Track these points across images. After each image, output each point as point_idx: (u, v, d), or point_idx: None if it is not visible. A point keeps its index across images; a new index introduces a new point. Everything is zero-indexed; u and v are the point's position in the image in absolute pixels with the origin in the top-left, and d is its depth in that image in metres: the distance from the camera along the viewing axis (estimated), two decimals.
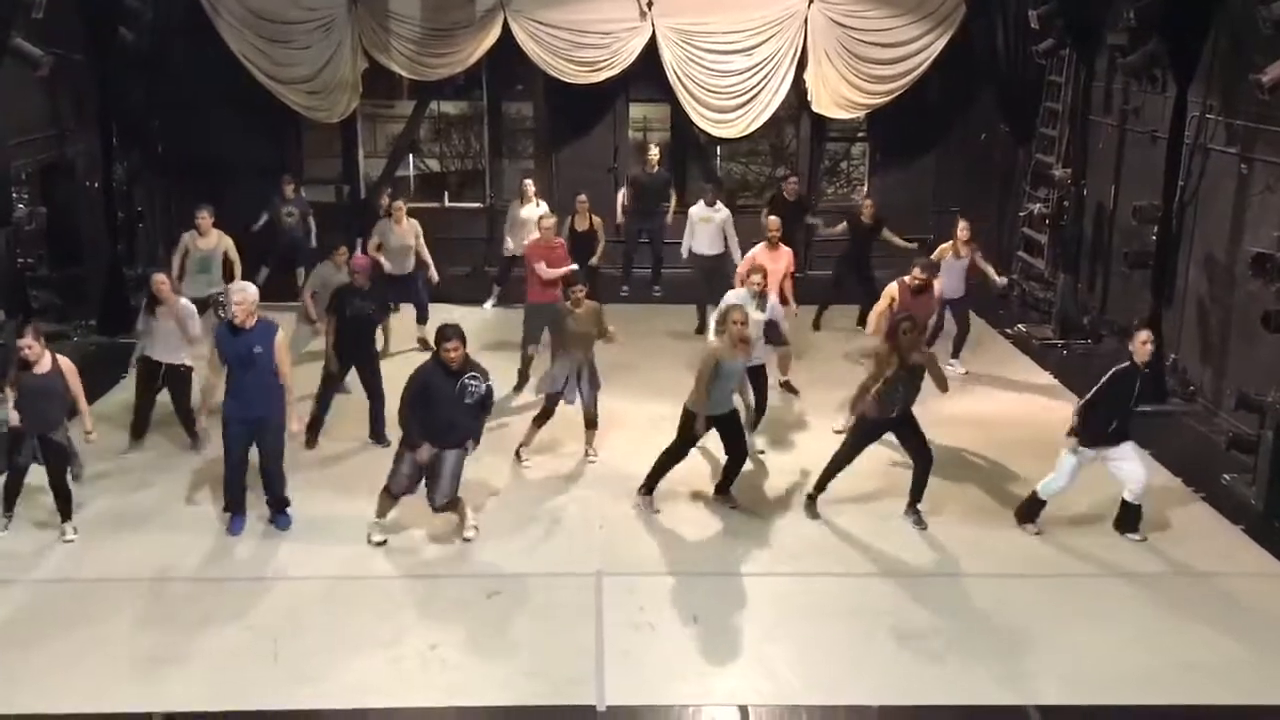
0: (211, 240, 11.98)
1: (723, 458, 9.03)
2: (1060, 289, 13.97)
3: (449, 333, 7.97)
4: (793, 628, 7.34)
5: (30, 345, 7.92)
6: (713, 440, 9.02)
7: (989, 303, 14.01)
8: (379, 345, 10.70)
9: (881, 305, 10.21)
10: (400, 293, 12.40)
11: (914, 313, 8.94)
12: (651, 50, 15.34)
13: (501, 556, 8.24)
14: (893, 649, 7.10)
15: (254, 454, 8.45)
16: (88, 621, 7.27)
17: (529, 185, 13.92)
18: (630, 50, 15.34)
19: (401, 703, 6.55)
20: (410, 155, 16.94)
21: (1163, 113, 11.87)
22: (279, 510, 8.60)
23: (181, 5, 14.59)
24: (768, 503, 9.15)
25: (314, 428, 9.99)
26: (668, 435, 8.82)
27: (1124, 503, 8.57)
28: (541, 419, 9.74)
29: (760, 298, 9.63)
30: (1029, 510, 8.72)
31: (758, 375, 9.86)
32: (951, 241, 12.05)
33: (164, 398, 9.82)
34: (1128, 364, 8.21)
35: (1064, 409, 11.36)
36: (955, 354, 12.27)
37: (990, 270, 12.49)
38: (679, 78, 15.51)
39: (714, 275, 13.12)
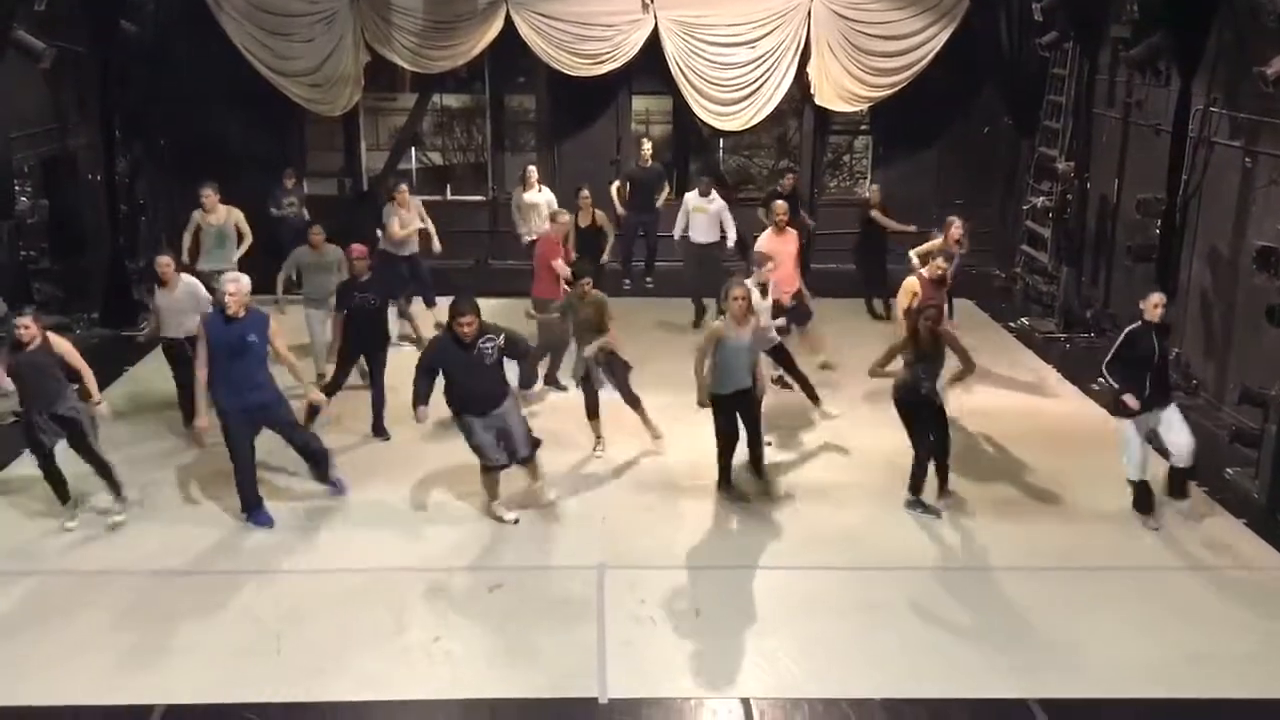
0: (220, 215, 12.02)
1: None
2: (1063, 282, 13.96)
3: (464, 306, 8.04)
4: (795, 620, 7.34)
5: (26, 325, 7.94)
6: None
7: (992, 297, 14.02)
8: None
9: (904, 301, 10.25)
10: (405, 280, 12.48)
11: (933, 303, 9.05)
12: (654, 43, 15.33)
13: (504, 549, 8.25)
14: (895, 641, 7.10)
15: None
16: (91, 613, 7.28)
17: (532, 171, 14.09)
18: (633, 43, 15.33)
19: (404, 695, 6.55)
20: (412, 148, 16.93)
21: (1166, 106, 11.85)
22: (327, 476, 8.80)
23: None
24: (771, 495, 9.14)
25: (313, 415, 9.99)
26: (669, 427, 8.82)
27: (1171, 469, 8.67)
28: (592, 411, 9.73)
29: (761, 287, 9.66)
30: (1139, 502, 8.69)
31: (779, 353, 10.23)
32: (943, 238, 11.95)
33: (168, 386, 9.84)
34: (1139, 323, 8.39)
35: (1066, 402, 11.45)
36: None
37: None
38: (681, 70, 15.50)
39: (706, 262, 13.41)
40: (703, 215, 13.52)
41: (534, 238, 12.91)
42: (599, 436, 9.83)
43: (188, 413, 9.77)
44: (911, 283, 10.34)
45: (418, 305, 12.73)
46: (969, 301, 14.04)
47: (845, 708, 6.46)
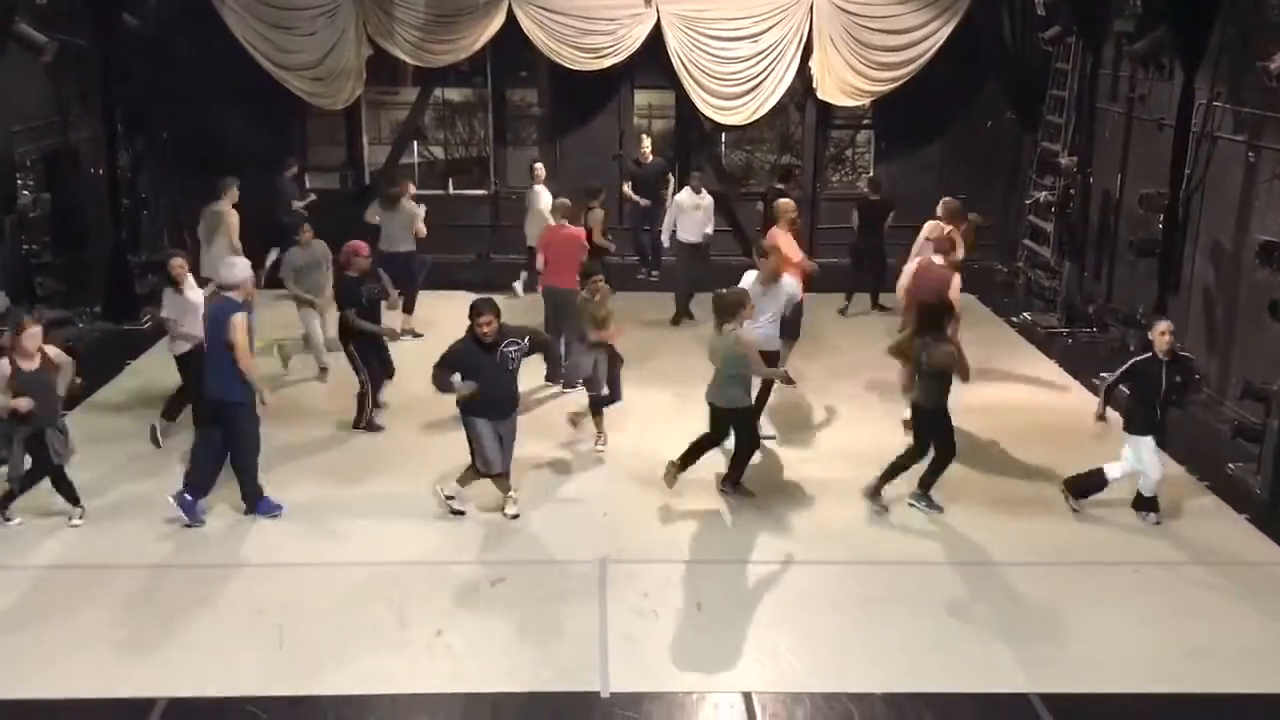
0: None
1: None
2: (1066, 277, 13.94)
3: (482, 307, 7.98)
4: (796, 615, 7.34)
5: (32, 335, 7.87)
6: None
7: (994, 291, 13.99)
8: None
9: (906, 281, 10.48)
10: (395, 275, 12.46)
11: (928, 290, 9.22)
12: (656, 37, 15.30)
13: (506, 544, 8.25)
14: (897, 636, 7.10)
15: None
16: (93, 608, 7.28)
17: (539, 169, 14.42)
18: (635, 37, 15.30)
19: (406, 689, 6.55)
20: (414, 142, 16.91)
21: (1170, 100, 11.82)
22: (254, 505, 8.45)
23: None
24: (773, 490, 9.14)
25: (364, 405, 10.08)
26: (670, 422, 8.80)
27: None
28: (596, 410, 9.74)
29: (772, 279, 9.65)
30: (1139, 498, 8.72)
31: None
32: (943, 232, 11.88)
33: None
34: (1149, 355, 8.33)
35: (1069, 397, 11.43)
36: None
37: None
38: (684, 65, 15.47)
39: (695, 260, 13.59)
40: (695, 214, 13.65)
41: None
42: (601, 432, 9.83)
43: (172, 411, 9.80)
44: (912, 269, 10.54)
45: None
46: (972, 296, 14.02)
47: (846, 702, 6.46)
